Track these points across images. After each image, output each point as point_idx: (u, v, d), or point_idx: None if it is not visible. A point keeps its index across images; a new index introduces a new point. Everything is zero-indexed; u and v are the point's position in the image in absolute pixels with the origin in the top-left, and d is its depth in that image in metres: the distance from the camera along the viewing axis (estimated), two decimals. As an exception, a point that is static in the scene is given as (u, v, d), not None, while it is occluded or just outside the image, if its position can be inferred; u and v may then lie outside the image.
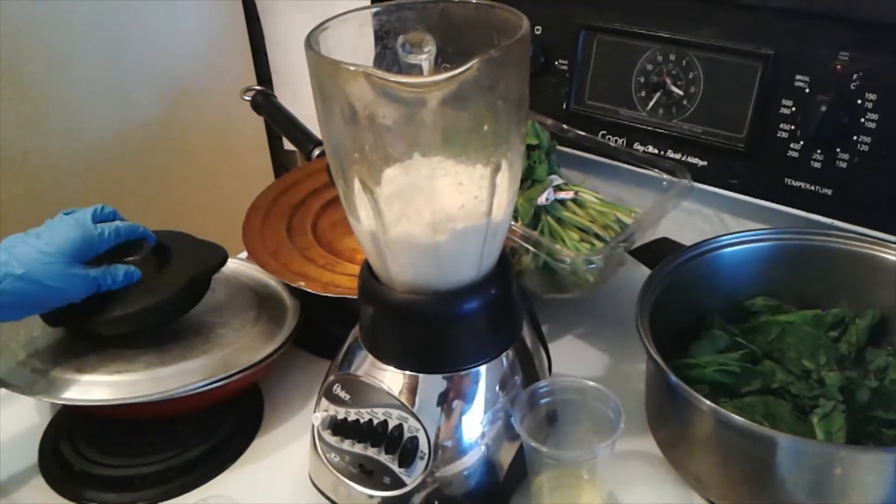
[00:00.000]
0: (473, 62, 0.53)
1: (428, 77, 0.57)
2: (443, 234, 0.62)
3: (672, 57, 0.91)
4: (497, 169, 0.61)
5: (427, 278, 0.66)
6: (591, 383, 0.71)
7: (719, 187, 0.90)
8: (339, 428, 0.71)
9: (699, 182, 0.91)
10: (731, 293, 0.86)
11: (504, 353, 0.72)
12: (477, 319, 0.69)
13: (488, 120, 0.58)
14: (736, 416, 0.63)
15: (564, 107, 0.99)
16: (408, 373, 0.69)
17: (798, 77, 0.82)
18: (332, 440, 0.71)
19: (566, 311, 0.95)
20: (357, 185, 0.61)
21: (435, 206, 0.61)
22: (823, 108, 0.79)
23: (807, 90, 0.82)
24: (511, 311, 0.72)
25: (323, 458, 0.73)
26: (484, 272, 0.68)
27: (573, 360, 0.90)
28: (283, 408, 0.87)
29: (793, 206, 0.86)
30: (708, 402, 0.64)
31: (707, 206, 0.95)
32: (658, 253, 0.85)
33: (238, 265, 1.00)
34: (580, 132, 0.97)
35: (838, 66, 0.80)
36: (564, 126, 0.98)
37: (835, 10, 0.78)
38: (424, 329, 0.68)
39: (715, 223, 0.96)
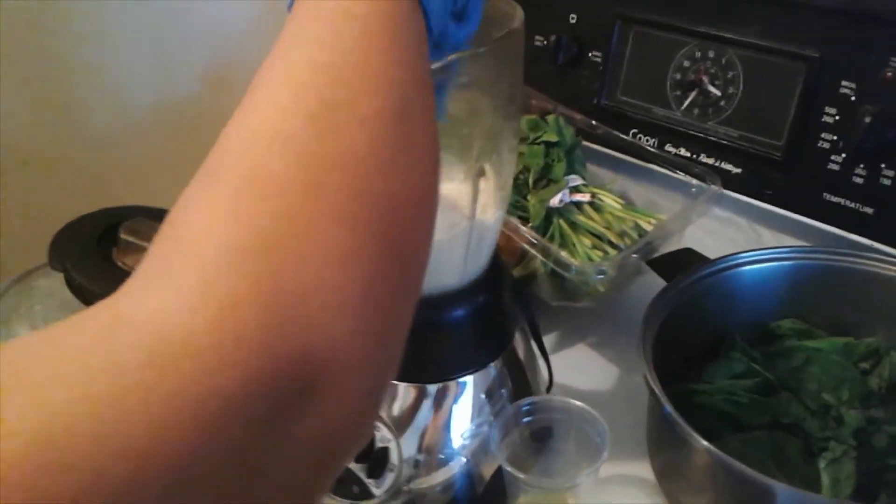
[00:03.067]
0: (444, 60, 0.49)
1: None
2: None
3: (711, 54, 0.84)
4: (480, 173, 0.57)
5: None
6: (577, 403, 0.66)
7: (753, 197, 0.84)
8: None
9: (732, 190, 0.85)
10: (756, 313, 0.80)
11: (491, 365, 0.68)
12: (461, 328, 0.65)
13: (468, 122, 0.54)
14: (730, 459, 0.57)
15: (595, 102, 0.94)
16: (386, 380, 0.66)
17: (844, 83, 0.75)
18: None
19: (580, 319, 0.90)
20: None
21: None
22: (868, 120, 0.72)
23: (852, 98, 0.75)
24: (500, 320, 0.68)
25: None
26: (470, 278, 0.64)
27: (582, 371, 0.85)
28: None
29: (830, 224, 0.79)
30: (700, 440, 0.59)
31: (741, 215, 0.89)
32: (678, 265, 0.79)
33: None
34: (610, 129, 0.91)
35: (888, 74, 0.72)
36: (593, 122, 0.92)
37: (887, 12, 0.71)
38: (403, 336, 0.65)
39: (749, 235, 0.89)
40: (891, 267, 0.75)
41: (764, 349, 0.78)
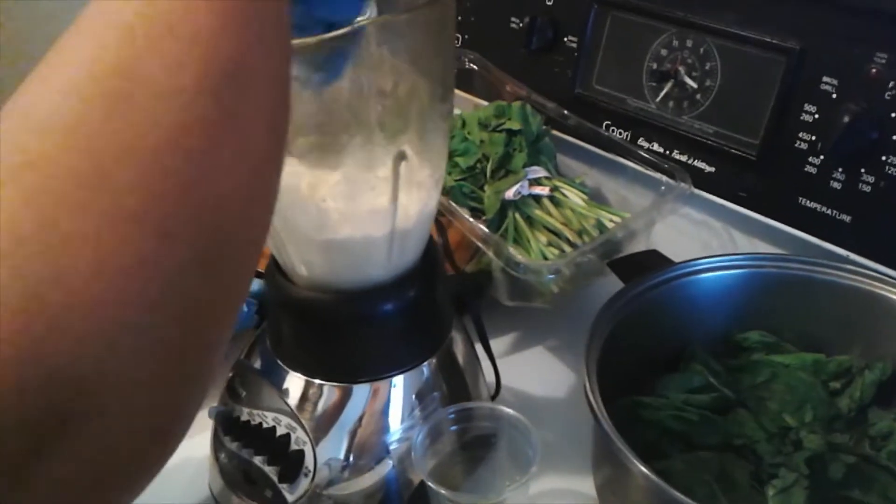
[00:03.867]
0: (351, 27, 0.44)
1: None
2: (332, 227, 0.53)
3: (689, 43, 0.78)
4: (401, 157, 0.52)
5: (326, 275, 0.58)
6: (508, 412, 0.61)
7: (725, 199, 0.78)
8: (230, 426, 0.64)
9: (704, 190, 0.79)
10: (721, 323, 0.74)
11: (424, 365, 0.63)
12: (389, 324, 0.61)
13: (384, 99, 0.49)
14: (664, 486, 0.52)
15: (569, 90, 0.88)
16: (306, 378, 0.61)
17: (825, 79, 0.69)
18: (225, 439, 0.64)
19: (540, 320, 0.85)
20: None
21: (319, 195, 0.52)
22: (846, 119, 0.66)
23: (834, 95, 0.69)
24: (433, 317, 0.64)
25: (213, 456, 0.66)
26: (399, 271, 0.59)
27: (537, 375, 0.80)
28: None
29: (805, 231, 0.73)
30: (634, 462, 0.54)
31: (716, 218, 0.83)
32: (639, 267, 0.73)
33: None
34: (582, 120, 0.86)
35: (873, 70, 0.66)
36: (565, 112, 0.87)
37: (874, 3, 0.65)
38: (324, 331, 0.60)
39: (723, 239, 0.83)
40: (868, 281, 0.69)
41: (728, 362, 0.73)
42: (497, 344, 0.83)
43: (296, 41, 0.44)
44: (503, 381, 0.76)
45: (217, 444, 0.65)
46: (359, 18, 0.47)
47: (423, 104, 0.52)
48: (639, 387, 0.71)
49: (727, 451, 0.62)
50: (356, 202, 0.52)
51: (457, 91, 1.01)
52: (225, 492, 0.65)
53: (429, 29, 0.49)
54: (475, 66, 0.95)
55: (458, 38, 0.99)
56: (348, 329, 0.60)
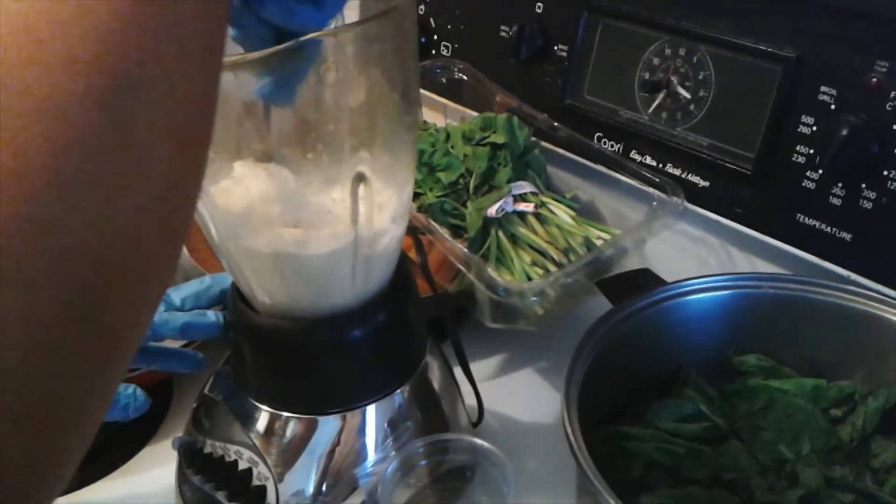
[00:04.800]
0: (294, 41, 0.41)
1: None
2: (287, 251, 0.50)
3: (682, 52, 0.74)
4: (359, 179, 0.49)
5: (287, 302, 0.55)
6: (481, 444, 0.58)
7: (720, 214, 0.74)
8: (194, 458, 0.61)
9: (699, 206, 0.75)
10: (717, 346, 0.71)
11: (397, 393, 0.60)
12: (354, 353, 0.58)
13: (337, 118, 0.46)
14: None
15: (560, 101, 0.85)
16: (269, 410, 0.58)
17: (823, 89, 0.65)
18: (188, 471, 0.61)
19: (529, 341, 0.81)
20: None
21: (272, 219, 0.49)
22: (845, 132, 0.62)
23: (832, 106, 0.65)
24: (405, 342, 0.60)
25: (177, 489, 0.63)
26: (367, 296, 0.56)
27: (523, 399, 0.76)
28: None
29: (803, 249, 0.69)
30: (610, 500, 0.50)
31: (714, 234, 0.79)
32: (629, 287, 0.70)
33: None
34: (573, 132, 0.82)
35: (874, 80, 0.62)
36: (555, 123, 0.83)
37: (874, 8, 0.61)
38: (287, 360, 0.57)
39: (720, 256, 0.79)
40: (870, 303, 0.66)
41: (724, 387, 0.69)
42: (483, 366, 0.80)
43: (235, 56, 0.41)
44: (487, 405, 0.73)
45: (181, 477, 0.63)
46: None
47: (383, 118, 0.48)
48: (631, 412, 0.67)
49: (717, 486, 0.59)
50: (312, 226, 0.49)
51: (446, 102, 0.98)
52: (187, 526, 0.62)
53: (386, 40, 0.46)
54: (465, 77, 0.92)
55: (447, 48, 0.96)
56: (312, 358, 0.57)
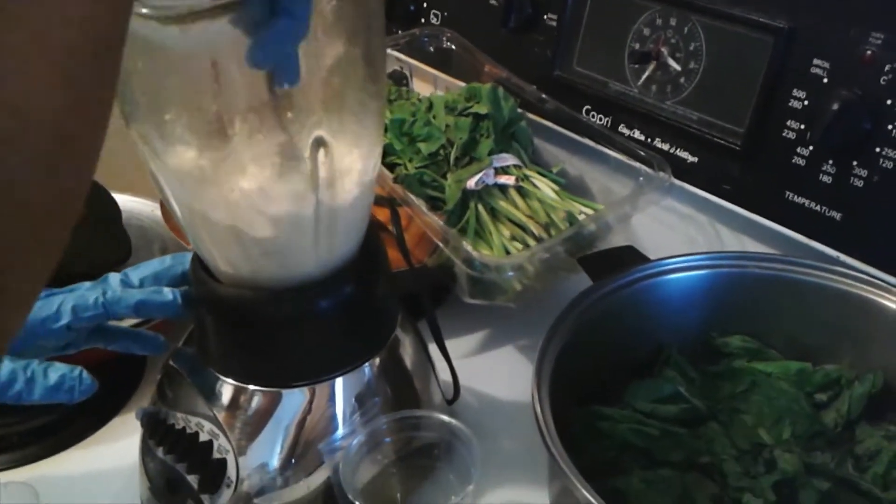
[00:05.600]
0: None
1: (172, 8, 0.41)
2: (245, 219, 0.48)
3: (672, 22, 0.72)
4: (319, 144, 0.47)
5: (249, 271, 0.53)
6: (447, 420, 0.57)
7: (708, 191, 0.72)
8: (156, 429, 0.59)
9: (686, 182, 0.73)
10: (701, 326, 0.69)
11: (365, 367, 0.58)
12: (319, 325, 0.56)
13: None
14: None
15: (549, 72, 0.82)
16: (231, 382, 0.57)
17: (816, 62, 0.63)
18: (150, 442, 0.60)
19: (511, 318, 0.79)
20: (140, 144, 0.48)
21: (226, 185, 0.47)
22: (836, 106, 0.60)
23: (825, 80, 0.62)
24: (374, 316, 0.59)
25: (141, 461, 0.61)
26: (330, 267, 0.54)
27: (503, 376, 0.75)
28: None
29: (792, 228, 0.67)
30: (577, 485, 0.49)
31: (703, 212, 0.77)
32: (611, 264, 0.68)
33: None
34: (560, 105, 0.80)
35: (868, 52, 0.60)
36: (543, 95, 0.81)
37: (870, -24, 0.58)
38: (249, 332, 0.56)
39: (709, 234, 0.77)
40: (859, 285, 0.63)
41: (707, 368, 0.68)
42: (462, 343, 0.78)
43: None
44: (466, 383, 0.71)
45: (145, 449, 0.61)
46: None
47: (343, 84, 0.46)
48: (612, 392, 0.65)
49: (692, 470, 0.57)
50: (269, 192, 0.47)
51: (437, 73, 0.96)
52: (151, 501, 0.60)
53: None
54: (454, 46, 0.90)
55: (437, 16, 0.94)
56: (276, 329, 0.55)
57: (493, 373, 0.75)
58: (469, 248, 0.62)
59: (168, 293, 0.56)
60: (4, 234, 0.25)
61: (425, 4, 0.94)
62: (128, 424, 0.71)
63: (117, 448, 0.69)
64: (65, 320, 0.53)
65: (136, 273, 0.58)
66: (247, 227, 0.49)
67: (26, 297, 0.27)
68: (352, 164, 0.50)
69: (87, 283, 0.56)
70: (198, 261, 0.56)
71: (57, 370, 0.52)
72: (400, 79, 0.95)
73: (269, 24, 0.38)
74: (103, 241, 0.77)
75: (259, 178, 0.46)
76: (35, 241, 0.26)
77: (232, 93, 0.44)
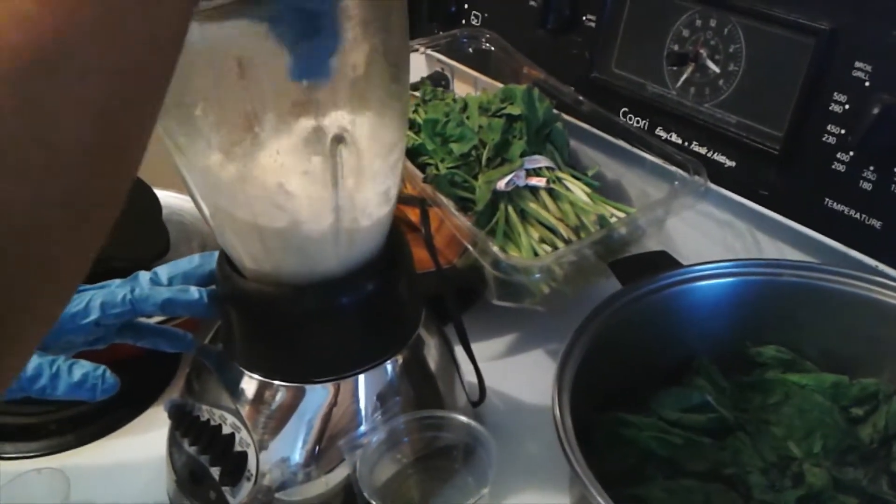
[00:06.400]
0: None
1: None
2: (265, 215, 0.49)
3: (712, 23, 0.70)
4: (339, 140, 0.47)
5: (271, 266, 0.54)
6: (465, 421, 0.56)
7: (745, 196, 0.70)
8: (182, 421, 0.60)
9: (723, 186, 0.72)
10: (734, 335, 0.67)
11: (387, 365, 0.58)
12: (340, 321, 0.56)
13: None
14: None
15: (587, 73, 0.81)
16: (255, 376, 0.57)
17: (857, 64, 0.61)
18: (177, 433, 0.61)
19: (541, 322, 0.78)
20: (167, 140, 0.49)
21: (246, 181, 0.47)
22: (877, 110, 0.58)
23: (866, 83, 0.60)
24: (396, 314, 0.59)
25: (168, 451, 0.63)
26: (355, 263, 0.55)
27: (531, 380, 0.74)
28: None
29: (829, 236, 0.65)
30: (593, 492, 0.48)
31: (741, 218, 0.75)
32: (643, 269, 0.67)
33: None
34: (597, 107, 0.79)
35: (912, 55, 0.58)
36: (580, 97, 0.80)
37: (915, -24, 0.56)
38: (272, 327, 0.56)
39: (747, 241, 0.75)
40: (897, 295, 0.61)
41: (739, 378, 0.66)
42: (492, 346, 0.78)
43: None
44: (494, 386, 0.71)
45: (172, 440, 0.62)
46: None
47: (365, 83, 0.46)
48: (639, 399, 0.64)
49: (716, 481, 0.56)
50: (289, 189, 0.47)
51: (477, 75, 0.95)
52: (177, 493, 0.61)
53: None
54: (492, 47, 0.89)
55: (477, 17, 0.94)
56: (298, 325, 0.56)
57: (521, 376, 0.74)
58: (496, 249, 0.62)
59: (194, 292, 0.57)
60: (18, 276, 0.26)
61: (466, 5, 0.94)
62: (160, 416, 0.72)
63: (149, 439, 0.70)
64: (93, 316, 0.54)
65: (165, 271, 0.59)
66: (267, 223, 0.49)
67: (30, 340, 0.28)
68: (373, 163, 0.50)
69: (118, 281, 0.57)
70: (224, 256, 0.57)
71: (81, 368, 0.53)
72: (439, 79, 0.95)
73: (307, 41, 0.40)
74: (142, 236, 0.79)
75: (280, 175, 0.47)
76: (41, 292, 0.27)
77: (255, 91, 0.45)
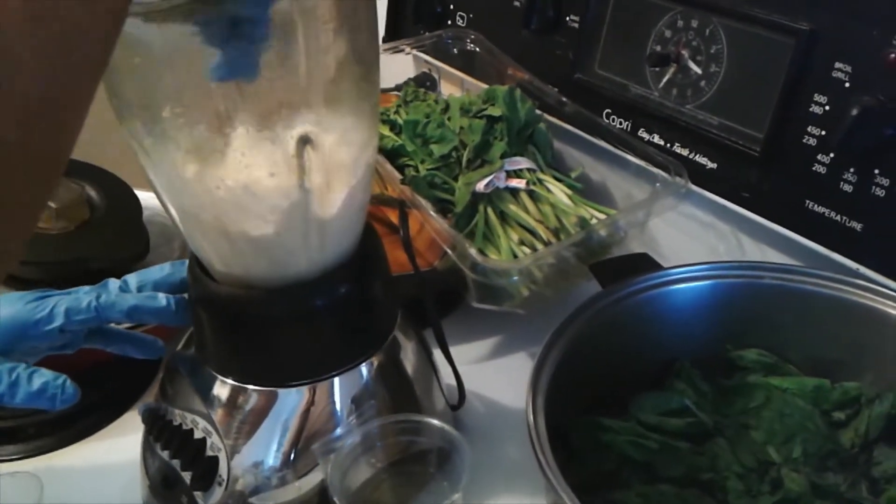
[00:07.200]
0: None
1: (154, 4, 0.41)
2: (232, 217, 0.48)
3: (694, 24, 0.70)
4: (304, 142, 0.46)
5: (241, 269, 0.53)
6: (439, 426, 0.56)
7: (727, 198, 0.69)
8: (155, 425, 0.60)
9: (705, 188, 0.71)
10: (715, 338, 0.67)
11: (361, 368, 0.58)
12: (313, 324, 0.56)
13: (272, 75, 0.43)
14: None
15: (570, 74, 0.81)
16: (227, 380, 0.57)
17: (837, 65, 0.60)
18: (150, 438, 0.61)
19: (523, 326, 0.77)
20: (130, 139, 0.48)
21: (211, 182, 0.47)
22: (855, 111, 0.57)
23: (846, 84, 0.60)
24: (370, 317, 0.58)
25: (142, 456, 0.62)
26: (324, 268, 0.54)
27: (513, 384, 0.73)
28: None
29: (810, 238, 0.64)
30: (563, 496, 0.47)
31: (724, 220, 0.75)
32: (623, 271, 0.66)
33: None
34: (580, 108, 0.78)
35: (892, 56, 0.57)
36: (563, 98, 0.79)
37: (894, -24, 0.56)
38: (243, 330, 0.55)
39: (730, 244, 0.75)
40: (880, 300, 0.60)
41: (721, 382, 0.65)
42: (473, 349, 0.77)
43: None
44: (475, 390, 0.71)
45: (146, 445, 0.62)
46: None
47: (332, 82, 0.46)
48: (619, 403, 0.64)
49: (692, 486, 0.55)
50: (256, 190, 0.47)
51: (463, 76, 0.95)
52: (150, 497, 0.61)
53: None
54: (477, 48, 0.89)
55: (463, 18, 0.93)
56: (269, 328, 0.55)
57: (502, 379, 0.73)
58: (473, 251, 0.61)
59: (162, 298, 0.56)
60: None
61: (451, 6, 0.94)
62: (138, 420, 0.72)
63: (125, 443, 0.69)
64: (57, 322, 0.53)
65: (135, 279, 0.58)
66: (234, 225, 0.49)
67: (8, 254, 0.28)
68: (341, 163, 0.49)
69: (86, 287, 0.57)
70: (195, 259, 0.56)
71: (41, 376, 0.52)
72: (424, 80, 0.95)
73: (232, 43, 0.39)
74: (122, 237, 0.78)
75: (245, 176, 0.46)
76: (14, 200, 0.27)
77: (218, 92, 0.44)
